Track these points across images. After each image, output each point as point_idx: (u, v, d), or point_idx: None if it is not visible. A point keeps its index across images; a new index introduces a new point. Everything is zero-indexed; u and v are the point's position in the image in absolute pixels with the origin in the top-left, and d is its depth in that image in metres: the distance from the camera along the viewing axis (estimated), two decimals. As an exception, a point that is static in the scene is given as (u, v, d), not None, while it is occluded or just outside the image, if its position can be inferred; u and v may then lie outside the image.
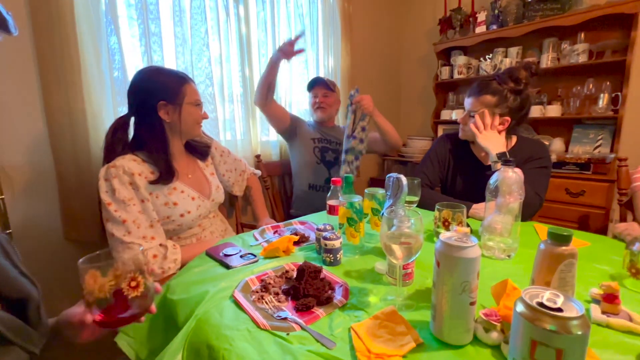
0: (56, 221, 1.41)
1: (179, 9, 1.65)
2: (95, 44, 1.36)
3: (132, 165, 1.09)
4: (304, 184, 1.94)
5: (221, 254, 0.95)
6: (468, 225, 1.03)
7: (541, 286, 0.57)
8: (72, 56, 1.28)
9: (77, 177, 1.36)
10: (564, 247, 0.63)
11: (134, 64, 1.55)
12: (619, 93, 1.95)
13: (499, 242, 0.93)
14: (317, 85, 1.99)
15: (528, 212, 1.21)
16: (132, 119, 1.19)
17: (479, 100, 1.34)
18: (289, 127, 1.96)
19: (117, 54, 1.47)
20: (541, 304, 0.44)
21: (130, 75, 1.48)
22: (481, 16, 2.42)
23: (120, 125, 1.17)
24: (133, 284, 0.55)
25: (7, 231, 1.14)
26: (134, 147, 1.16)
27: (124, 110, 1.48)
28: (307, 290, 0.72)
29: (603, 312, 0.65)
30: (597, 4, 1.97)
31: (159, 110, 1.13)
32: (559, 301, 0.44)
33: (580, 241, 1.03)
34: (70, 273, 1.43)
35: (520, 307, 0.46)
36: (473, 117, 1.35)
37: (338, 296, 0.73)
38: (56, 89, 1.29)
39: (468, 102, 1.39)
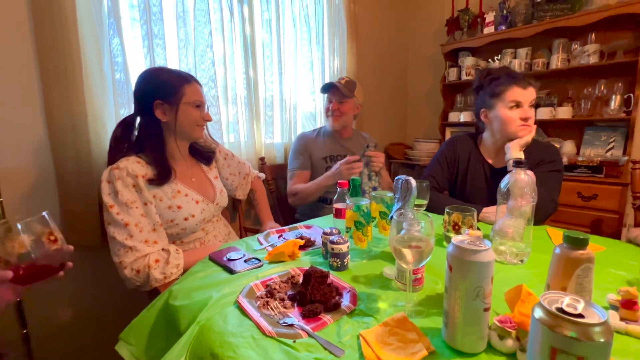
0: (56, 225, 1.39)
1: (182, 11, 1.65)
2: (98, 46, 1.35)
3: (136, 167, 1.08)
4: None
5: (225, 259, 0.93)
6: (479, 230, 1.01)
7: (559, 291, 0.55)
8: (73, 58, 1.28)
9: (77, 180, 1.34)
10: (580, 252, 0.61)
11: (136, 66, 1.55)
12: (631, 94, 1.92)
13: (511, 247, 0.91)
14: (331, 91, 1.83)
15: (542, 216, 1.19)
16: (138, 120, 1.19)
17: (532, 91, 1.27)
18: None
19: (119, 56, 1.46)
20: (561, 310, 0.42)
21: (133, 77, 1.48)
22: (489, 17, 2.40)
23: (124, 124, 1.16)
24: (52, 237, 0.67)
25: None
26: (137, 148, 1.15)
27: (125, 112, 1.48)
28: (313, 295, 0.70)
29: (622, 319, 0.63)
30: (608, 4, 1.94)
31: (155, 109, 1.12)
32: (580, 307, 0.42)
33: (595, 245, 1.00)
34: (70, 278, 1.41)
35: (538, 313, 0.44)
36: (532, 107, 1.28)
37: (346, 302, 0.71)
38: (57, 91, 1.29)
39: (527, 92, 1.26)
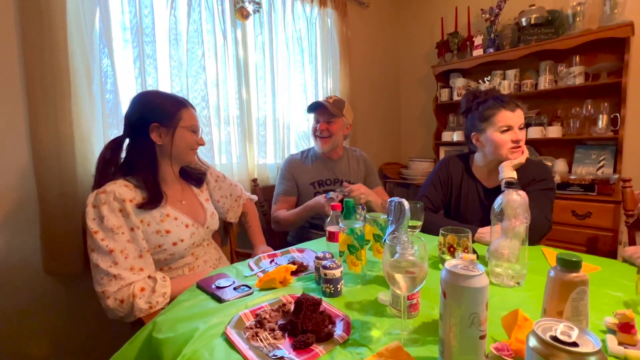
0: (36, 252, 1.32)
1: (175, 32, 1.66)
2: (88, 66, 1.34)
3: (124, 191, 1.05)
4: (305, 224, 1.78)
5: (213, 286, 0.90)
6: (474, 251, 0.99)
7: (554, 317, 0.54)
8: (62, 78, 1.26)
9: (61, 204, 1.30)
10: (574, 274, 0.61)
11: (127, 87, 1.54)
12: (617, 114, 1.96)
13: (507, 269, 0.89)
14: (318, 110, 1.76)
15: (537, 236, 1.18)
16: (127, 142, 1.16)
17: (521, 113, 1.29)
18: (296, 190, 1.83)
19: (110, 76, 1.46)
20: (555, 338, 0.41)
21: (123, 98, 1.48)
22: (478, 40, 2.47)
23: (112, 146, 1.14)
24: None
25: None
26: (126, 171, 1.12)
27: (114, 134, 1.46)
28: (305, 325, 0.67)
29: (620, 343, 0.62)
30: (589, 28, 2.01)
31: (151, 132, 1.11)
32: (574, 334, 0.41)
33: (591, 266, 0.99)
34: (49, 310, 1.36)
35: (532, 342, 0.43)
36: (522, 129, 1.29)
37: (339, 331, 0.68)
38: (43, 111, 1.26)
39: (516, 115, 1.28)
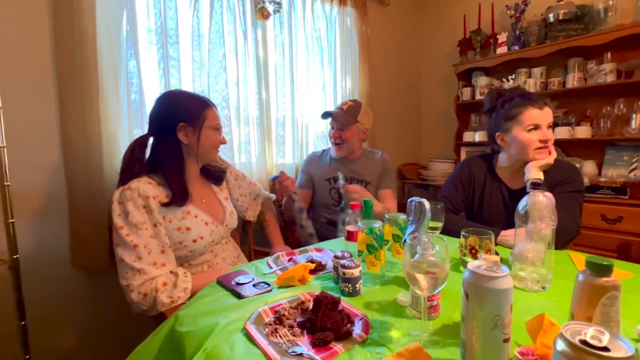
0: (64, 247, 1.38)
1: (197, 34, 1.70)
2: (115, 68, 1.39)
3: (148, 188, 1.08)
4: (322, 220, 1.85)
5: (233, 283, 0.91)
6: (497, 254, 0.97)
7: (583, 322, 0.52)
8: (91, 79, 1.32)
9: (88, 201, 1.35)
10: (605, 279, 0.58)
11: (151, 87, 1.59)
12: (652, 113, 1.87)
13: (532, 273, 0.87)
14: (331, 118, 1.82)
15: (564, 240, 1.13)
16: (151, 141, 1.20)
17: (549, 112, 1.25)
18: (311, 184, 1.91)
19: (135, 78, 1.51)
20: (585, 342, 0.40)
21: (148, 99, 1.52)
22: (502, 37, 2.41)
23: (138, 145, 1.17)
24: None
25: (15, 256, 1.14)
26: (150, 169, 1.16)
27: (139, 133, 1.50)
28: (324, 323, 0.67)
29: (653, 353, 0.59)
30: (622, 23, 1.92)
31: (178, 131, 1.14)
32: (605, 339, 0.40)
33: (622, 272, 0.95)
34: (76, 302, 1.42)
35: (561, 345, 0.41)
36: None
37: (358, 330, 0.68)
38: (73, 111, 1.32)
39: (544, 113, 1.23)
